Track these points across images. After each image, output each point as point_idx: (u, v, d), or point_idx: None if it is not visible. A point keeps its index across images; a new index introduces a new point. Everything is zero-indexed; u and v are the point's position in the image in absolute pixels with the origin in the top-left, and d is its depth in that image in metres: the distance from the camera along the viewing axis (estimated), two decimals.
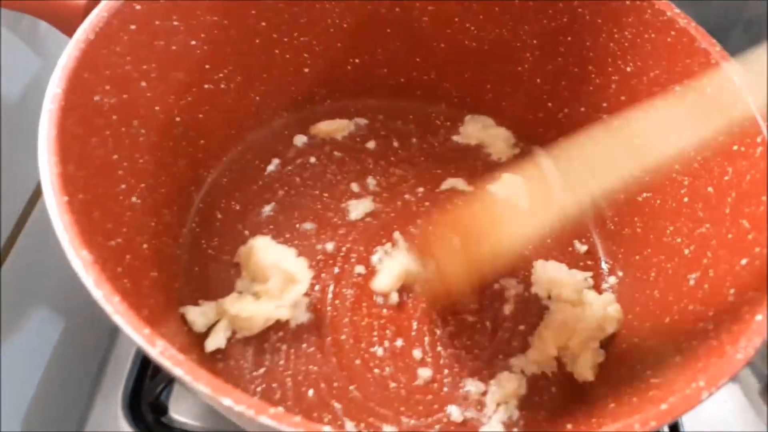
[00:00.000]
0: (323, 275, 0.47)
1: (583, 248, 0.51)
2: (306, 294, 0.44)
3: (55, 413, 0.50)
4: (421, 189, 0.53)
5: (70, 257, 0.27)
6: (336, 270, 0.47)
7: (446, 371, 0.44)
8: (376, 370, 0.43)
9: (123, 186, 0.39)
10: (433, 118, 0.58)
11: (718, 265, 0.39)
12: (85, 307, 0.54)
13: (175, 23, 0.44)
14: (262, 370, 0.42)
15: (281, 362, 0.42)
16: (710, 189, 0.42)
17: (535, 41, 0.53)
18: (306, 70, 0.54)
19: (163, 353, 0.25)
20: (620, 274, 0.49)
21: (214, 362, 0.41)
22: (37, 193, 0.53)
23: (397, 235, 0.49)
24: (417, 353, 0.44)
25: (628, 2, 0.46)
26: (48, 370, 0.52)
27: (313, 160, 0.53)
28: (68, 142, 0.33)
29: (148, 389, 0.47)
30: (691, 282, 0.41)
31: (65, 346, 0.53)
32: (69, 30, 0.42)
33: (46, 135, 0.31)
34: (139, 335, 0.25)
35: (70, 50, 0.35)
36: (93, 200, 0.34)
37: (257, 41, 0.50)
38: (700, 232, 0.42)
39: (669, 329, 0.41)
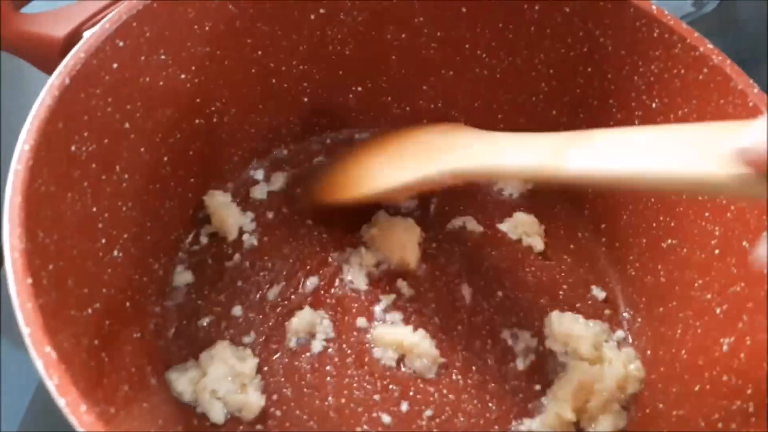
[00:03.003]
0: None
1: (602, 295, 0.47)
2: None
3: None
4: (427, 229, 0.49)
5: (32, 354, 0.24)
6: (336, 322, 0.44)
7: None
8: None
9: (103, 240, 0.36)
10: None
11: (756, 332, 0.36)
12: None
13: (163, 57, 0.40)
14: None
15: (274, 424, 0.39)
16: (746, 244, 0.38)
17: (551, 71, 0.49)
18: (305, 99, 0.50)
19: None
20: (642, 326, 0.46)
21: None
22: None
23: (400, 283, 0.46)
24: (424, 417, 0.41)
25: (655, 35, 0.42)
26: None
27: None
28: (37, 206, 0.29)
29: None
30: (725, 348, 0.37)
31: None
32: (46, 66, 0.39)
33: (10, 203, 0.28)
34: None
35: (42, 99, 0.32)
36: (67, 267, 0.31)
37: (253, 71, 0.46)
38: (734, 291, 0.38)
39: (699, 400, 0.37)
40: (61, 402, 0.23)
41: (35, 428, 0.45)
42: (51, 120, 0.32)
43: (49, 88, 0.32)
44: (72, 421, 0.23)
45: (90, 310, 0.33)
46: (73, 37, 0.37)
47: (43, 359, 0.24)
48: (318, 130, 0.52)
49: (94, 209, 0.35)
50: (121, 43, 0.36)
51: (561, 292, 0.47)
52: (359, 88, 0.52)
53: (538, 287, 0.47)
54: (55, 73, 0.33)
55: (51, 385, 0.23)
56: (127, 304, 0.38)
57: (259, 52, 0.46)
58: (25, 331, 0.24)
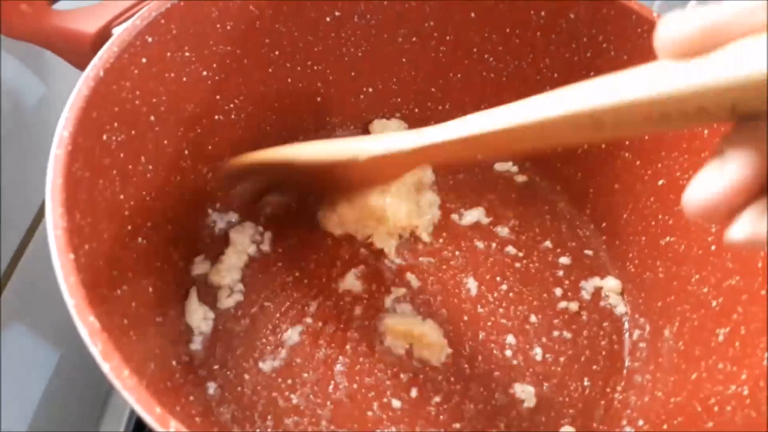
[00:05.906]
0: (330, 318, 0.45)
1: None
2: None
3: None
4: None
5: (77, 324, 0.26)
6: (344, 313, 0.45)
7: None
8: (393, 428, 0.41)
9: (129, 227, 0.38)
10: None
11: (750, 322, 0.38)
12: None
13: (187, 54, 0.42)
14: (269, 419, 0.40)
15: (289, 408, 0.41)
16: None
17: (555, 75, 0.51)
18: (318, 99, 0.52)
19: None
20: (640, 320, 0.47)
21: (219, 411, 0.39)
22: (38, 218, 0.51)
23: (409, 276, 0.48)
24: (433, 403, 0.42)
25: None
26: (42, 404, 0.49)
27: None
28: (75, 188, 0.31)
29: None
30: (720, 338, 0.39)
31: (61, 381, 0.51)
32: (76, 60, 0.40)
33: (51, 184, 0.29)
34: (150, 416, 0.23)
35: (78, 89, 0.33)
36: (98, 248, 0.32)
37: (270, 70, 0.48)
38: (729, 284, 0.40)
39: (696, 387, 0.39)
40: (105, 367, 0.25)
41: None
42: (86, 109, 0.33)
43: (85, 79, 0.34)
44: (116, 385, 0.24)
45: (119, 291, 0.34)
46: (103, 34, 0.39)
47: (88, 328, 0.25)
48: (330, 128, 0.54)
49: (122, 197, 0.37)
50: (150, 39, 0.38)
51: (561, 288, 0.49)
52: (370, 89, 0.54)
53: (541, 282, 0.49)
54: (90, 65, 0.34)
55: (95, 351, 0.25)
56: (150, 289, 0.39)
57: (277, 52, 0.48)
58: (70, 302, 0.26)
